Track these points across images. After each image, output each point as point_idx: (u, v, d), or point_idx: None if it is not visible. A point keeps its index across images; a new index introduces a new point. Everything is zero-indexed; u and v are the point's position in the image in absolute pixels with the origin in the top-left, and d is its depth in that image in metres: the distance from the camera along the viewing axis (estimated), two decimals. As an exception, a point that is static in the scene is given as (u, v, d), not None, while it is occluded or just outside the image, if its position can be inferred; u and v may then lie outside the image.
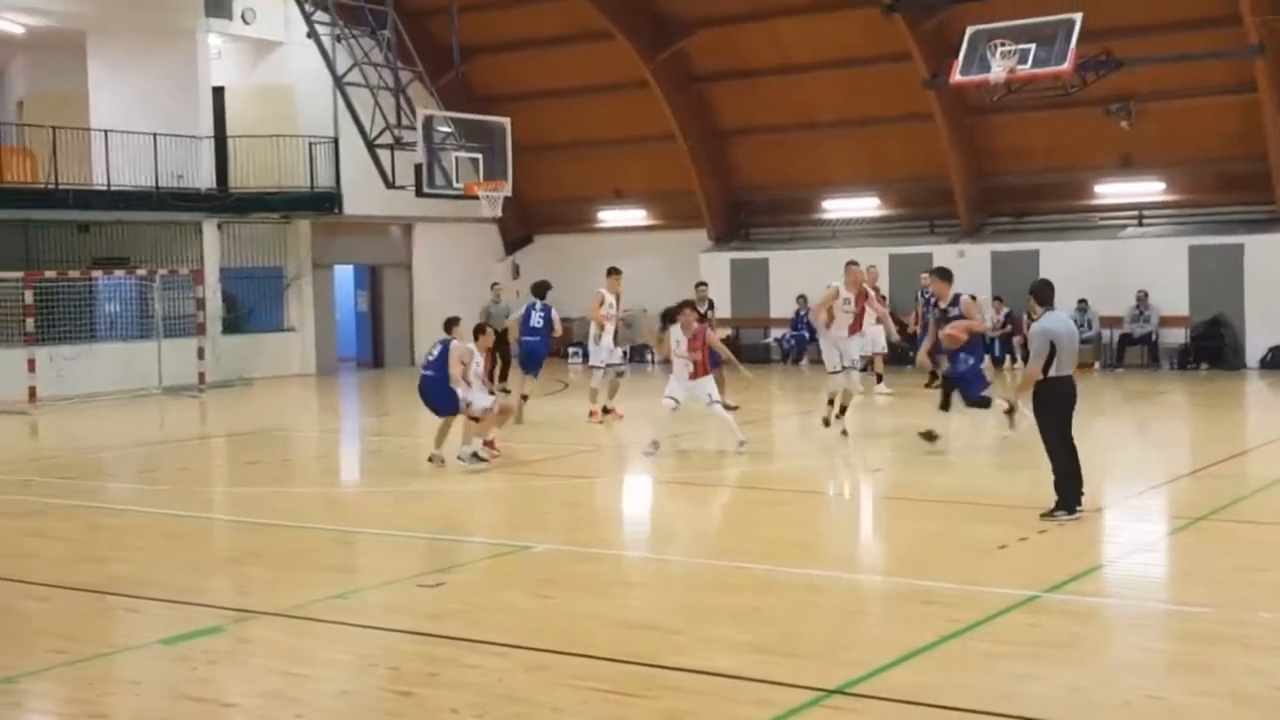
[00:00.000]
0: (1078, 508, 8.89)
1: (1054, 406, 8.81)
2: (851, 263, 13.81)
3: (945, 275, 12.19)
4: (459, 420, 12.03)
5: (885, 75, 23.03)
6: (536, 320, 15.58)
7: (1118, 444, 13.59)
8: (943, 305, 12.05)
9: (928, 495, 10.47)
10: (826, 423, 13.25)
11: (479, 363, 12.30)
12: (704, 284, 17.31)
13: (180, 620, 6.94)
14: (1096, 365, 21.63)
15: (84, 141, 21.72)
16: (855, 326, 13.40)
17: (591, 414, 14.92)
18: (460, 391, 11.94)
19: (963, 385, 11.87)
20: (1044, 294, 9.12)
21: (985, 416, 12.50)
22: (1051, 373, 8.75)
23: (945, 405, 12.15)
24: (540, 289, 15.83)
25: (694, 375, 12.42)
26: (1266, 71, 19.97)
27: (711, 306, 16.34)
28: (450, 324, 12.35)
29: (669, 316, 12.94)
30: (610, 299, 15.27)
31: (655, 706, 5.41)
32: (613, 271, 15.64)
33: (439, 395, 12.03)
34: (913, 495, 10.53)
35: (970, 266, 22.69)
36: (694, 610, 7.04)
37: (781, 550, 8.33)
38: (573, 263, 27.34)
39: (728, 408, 13.27)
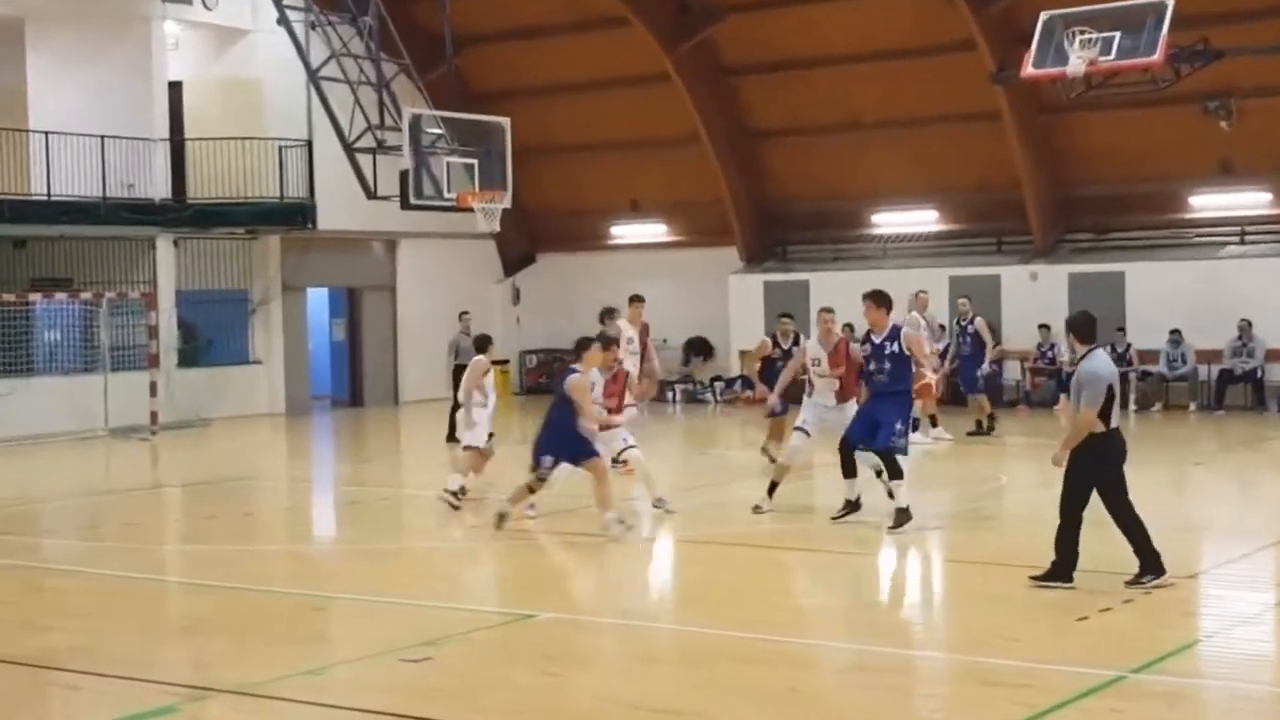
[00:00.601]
0: (1164, 573, 8.89)
1: (1113, 462, 8.90)
2: (825, 310, 12.52)
3: (881, 300, 11.33)
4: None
5: (945, 68, 23.14)
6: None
7: (1217, 499, 13.55)
8: (876, 338, 11.22)
9: (991, 557, 10.46)
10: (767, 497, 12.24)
11: (593, 385, 11.81)
12: (788, 315, 16.39)
13: (128, 699, 6.97)
14: (1192, 407, 21.57)
15: (21, 145, 21.98)
16: (846, 393, 11.99)
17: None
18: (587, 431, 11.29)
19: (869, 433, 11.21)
20: (1087, 330, 9.10)
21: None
22: (1111, 423, 8.79)
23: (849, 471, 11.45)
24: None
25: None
26: (1389, 64, 20.00)
27: (797, 342, 15.44)
28: (581, 346, 11.80)
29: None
30: (631, 333, 14.99)
31: (675, 802, 5.43)
32: (635, 300, 15.47)
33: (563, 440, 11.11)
34: (974, 558, 10.51)
35: (1044, 291, 22.74)
36: (720, 690, 7.05)
37: (821, 621, 8.34)
38: (581, 286, 27.43)
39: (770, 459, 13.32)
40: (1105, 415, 8.80)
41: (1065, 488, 8.96)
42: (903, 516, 10.96)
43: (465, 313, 20.40)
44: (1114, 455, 8.88)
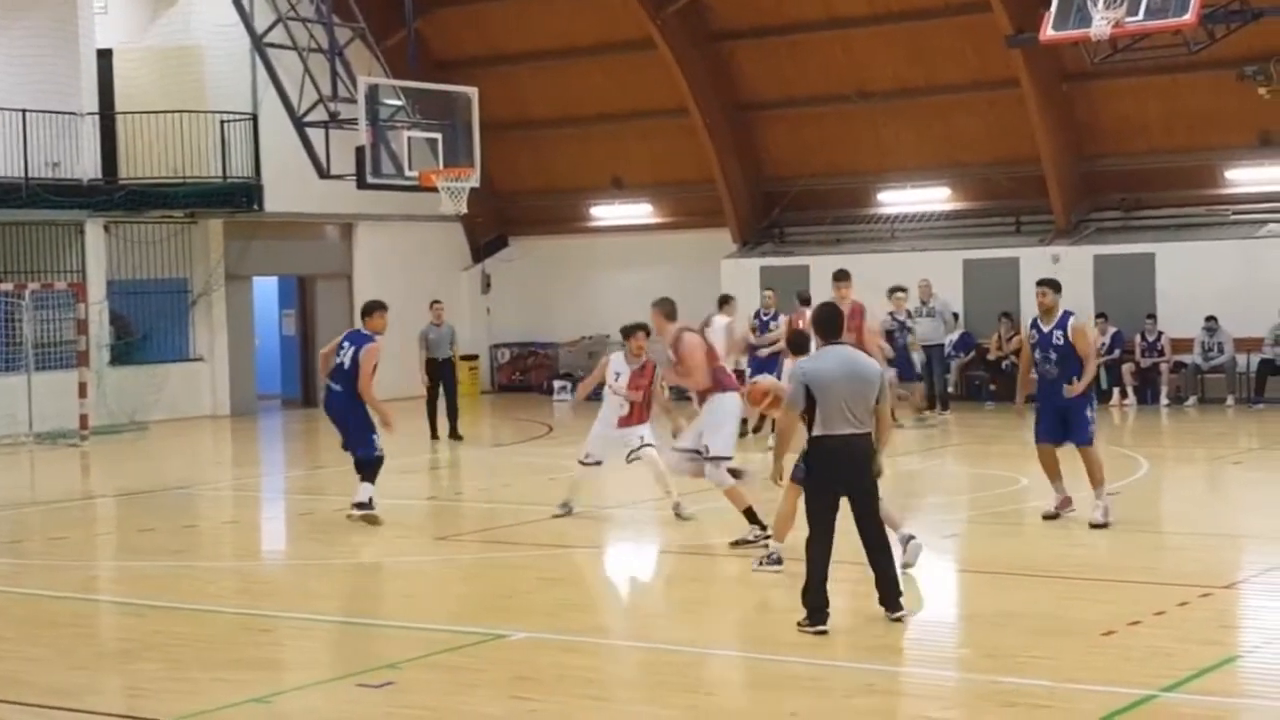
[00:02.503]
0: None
1: (813, 474, 8.59)
2: (640, 329, 12.43)
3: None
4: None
5: (957, 31, 23.19)
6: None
7: (1257, 501, 13.61)
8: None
9: (1013, 568, 10.47)
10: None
11: (618, 375, 12.27)
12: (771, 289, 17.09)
13: (55, 731, 6.98)
14: (1230, 400, 21.66)
15: (-67, 121, 21.93)
16: (630, 418, 12.42)
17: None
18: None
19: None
20: (826, 327, 8.82)
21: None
22: (825, 429, 8.51)
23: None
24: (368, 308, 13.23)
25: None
26: None
27: (775, 317, 16.00)
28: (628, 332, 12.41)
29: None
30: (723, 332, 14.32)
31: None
32: (663, 304, 12.96)
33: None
34: (993, 568, 10.53)
35: (1068, 274, 22.73)
36: (715, 716, 7.04)
37: (825, 638, 8.34)
38: (558, 273, 27.47)
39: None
40: (817, 419, 8.44)
41: None
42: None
43: (437, 302, 20.42)
44: (816, 466, 8.52)
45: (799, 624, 8.39)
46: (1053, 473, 11.95)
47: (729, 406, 11.64)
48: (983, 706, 7.14)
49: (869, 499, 8.65)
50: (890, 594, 8.61)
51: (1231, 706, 7.15)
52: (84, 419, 20.92)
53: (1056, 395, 11.73)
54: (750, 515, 11.21)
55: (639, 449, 12.47)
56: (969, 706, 7.23)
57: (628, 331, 12.54)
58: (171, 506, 14.75)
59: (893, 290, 20.37)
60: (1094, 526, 11.52)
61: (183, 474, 17.74)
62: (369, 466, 12.53)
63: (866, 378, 8.60)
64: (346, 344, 12.67)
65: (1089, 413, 11.83)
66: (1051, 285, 12.10)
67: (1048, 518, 11.93)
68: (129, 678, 8.16)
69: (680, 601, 10.18)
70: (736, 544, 11.12)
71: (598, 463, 12.63)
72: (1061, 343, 11.74)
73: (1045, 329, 11.85)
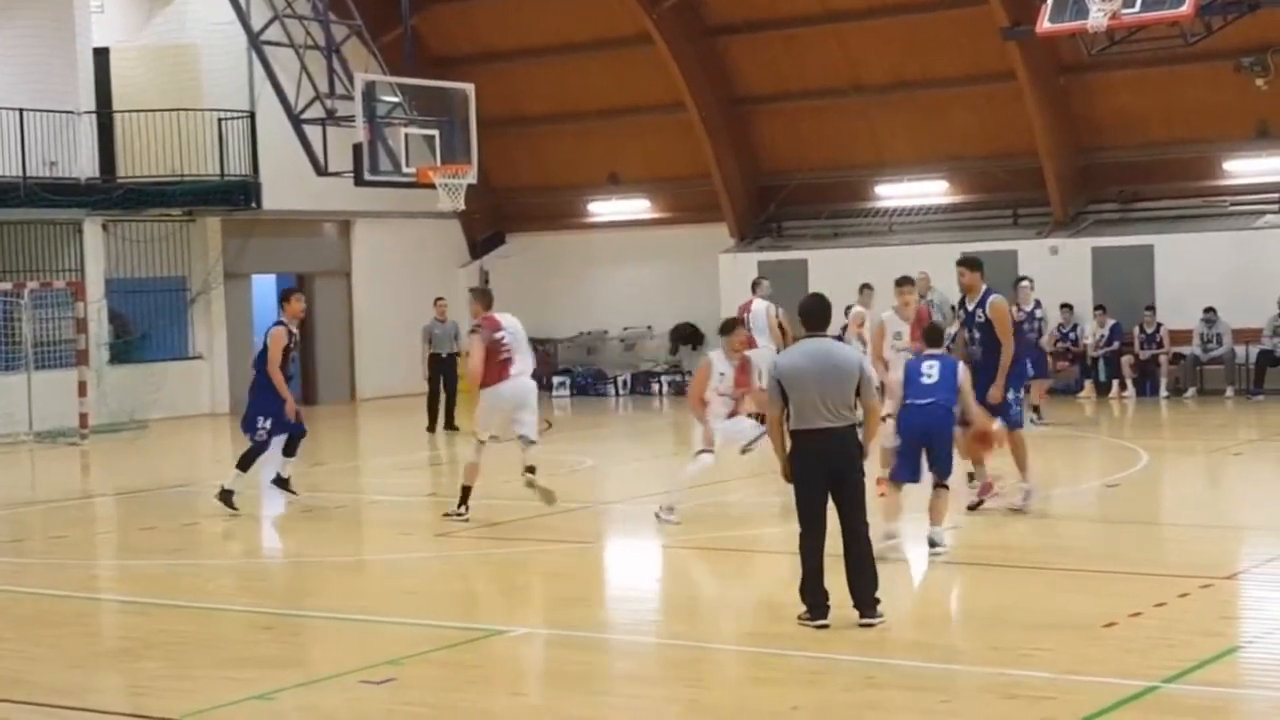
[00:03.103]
0: None
1: (796, 469, 8.45)
2: (734, 324, 12.57)
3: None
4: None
5: (953, 24, 23.17)
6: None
7: (1257, 492, 13.61)
8: None
9: (1014, 559, 10.47)
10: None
11: (723, 375, 11.87)
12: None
13: (57, 730, 6.97)
14: (1229, 391, 21.65)
15: (-69, 120, 21.91)
16: (735, 411, 12.20)
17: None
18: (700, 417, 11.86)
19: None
20: (811, 317, 8.64)
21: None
22: (803, 424, 8.40)
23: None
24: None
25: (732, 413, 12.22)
26: None
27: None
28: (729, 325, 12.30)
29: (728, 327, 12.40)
30: (900, 326, 13.25)
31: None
32: (757, 282, 14.14)
33: None
34: (994, 559, 10.53)
35: (1065, 267, 22.80)
36: (716, 710, 7.04)
37: (827, 633, 8.34)
38: (555, 269, 27.44)
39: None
40: (791, 414, 8.36)
41: None
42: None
43: (440, 299, 20.56)
44: (797, 461, 8.41)
45: (799, 618, 8.38)
46: (976, 459, 11.69)
47: (487, 401, 12.30)
48: (984, 699, 7.15)
49: (853, 492, 8.46)
50: (865, 596, 8.34)
51: (1233, 697, 7.15)
52: (83, 418, 20.90)
53: (984, 378, 11.41)
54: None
55: (755, 440, 11.98)
56: (970, 699, 7.22)
57: (728, 327, 12.27)
58: (171, 505, 14.76)
59: (1018, 281, 19.49)
60: (1012, 511, 11.48)
61: (182, 472, 17.74)
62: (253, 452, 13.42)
63: (841, 370, 8.41)
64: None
65: (1011, 395, 11.69)
66: (969, 264, 12.02)
67: (972, 508, 11.73)
68: (130, 676, 8.16)
69: (680, 596, 10.18)
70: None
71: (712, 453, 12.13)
72: (983, 320, 11.67)
73: (970, 308, 11.82)
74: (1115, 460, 15.68)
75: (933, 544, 10.28)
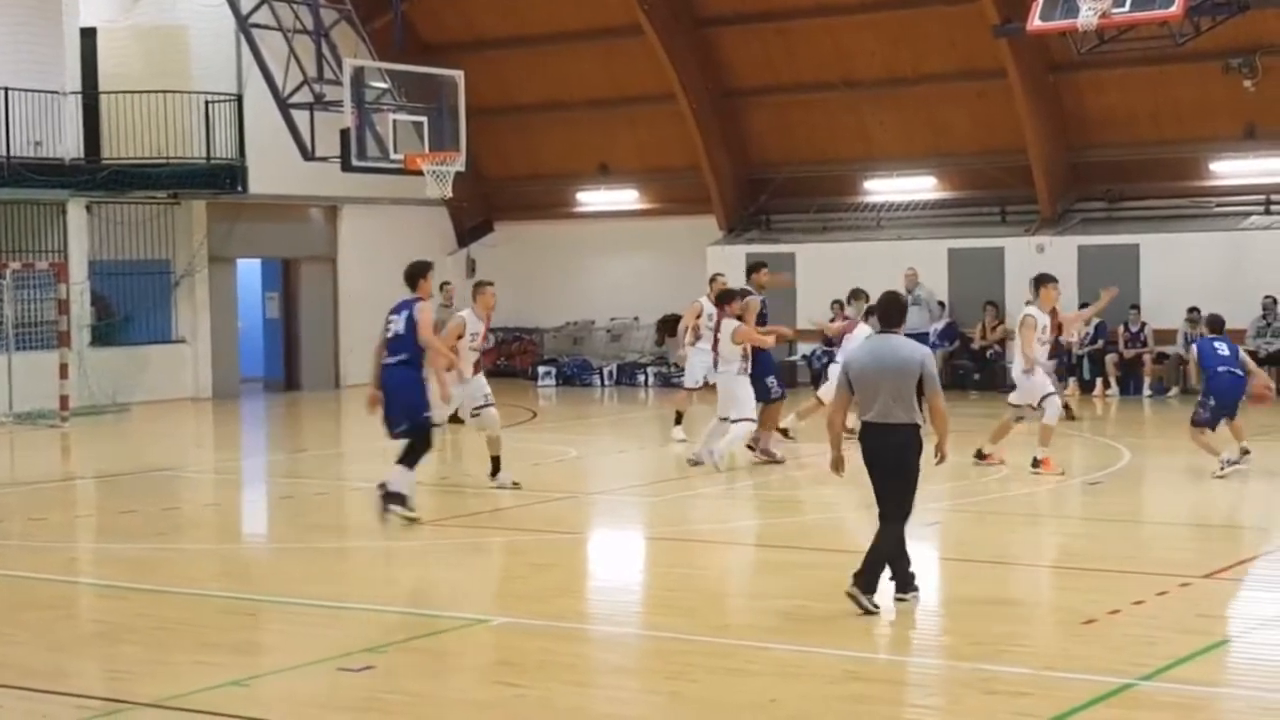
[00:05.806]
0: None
1: (866, 460, 8.83)
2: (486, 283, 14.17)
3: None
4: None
5: (943, 20, 23.18)
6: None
7: (1237, 492, 13.66)
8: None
9: (993, 556, 10.51)
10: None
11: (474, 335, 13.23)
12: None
13: (33, 715, 6.95)
14: (1213, 392, 21.69)
15: (-86, 99, 21.80)
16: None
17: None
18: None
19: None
20: (888, 314, 8.91)
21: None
22: (865, 416, 8.73)
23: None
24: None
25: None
26: None
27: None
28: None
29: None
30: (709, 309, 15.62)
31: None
32: (758, 270, 15.73)
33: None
34: (974, 556, 10.57)
35: (1052, 265, 22.78)
36: (696, 702, 7.06)
37: (807, 625, 8.37)
38: (544, 258, 27.41)
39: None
40: (865, 407, 8.61)
41: None
42: None
43: (447, 283, 20.67)
44: (863, 449, 8.72)
45: (895, 597, 8.65)
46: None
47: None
48: (964, 694, 7.17)
49: (897, 488, 8.64)
50: (869, 582, 8.57)
51: (1209, 695, 7.19)
52: (64, 400, 20.82)
53: None
54: None
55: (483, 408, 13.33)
56: (950, 694, 7.25)
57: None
58: (153, 489, 14.72)
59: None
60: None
61: (164, 456, 17.70)
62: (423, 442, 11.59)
63: (899, 367, 8.56)
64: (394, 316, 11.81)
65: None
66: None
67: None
68: (109, 660, 8.15)
69: (665, 588, 10.19)
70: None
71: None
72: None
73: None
74: (1097, 458, 15.74)
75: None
